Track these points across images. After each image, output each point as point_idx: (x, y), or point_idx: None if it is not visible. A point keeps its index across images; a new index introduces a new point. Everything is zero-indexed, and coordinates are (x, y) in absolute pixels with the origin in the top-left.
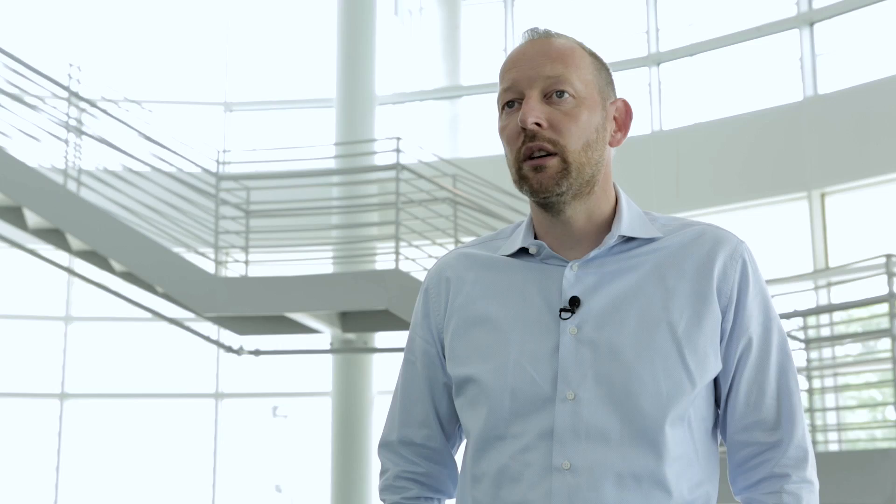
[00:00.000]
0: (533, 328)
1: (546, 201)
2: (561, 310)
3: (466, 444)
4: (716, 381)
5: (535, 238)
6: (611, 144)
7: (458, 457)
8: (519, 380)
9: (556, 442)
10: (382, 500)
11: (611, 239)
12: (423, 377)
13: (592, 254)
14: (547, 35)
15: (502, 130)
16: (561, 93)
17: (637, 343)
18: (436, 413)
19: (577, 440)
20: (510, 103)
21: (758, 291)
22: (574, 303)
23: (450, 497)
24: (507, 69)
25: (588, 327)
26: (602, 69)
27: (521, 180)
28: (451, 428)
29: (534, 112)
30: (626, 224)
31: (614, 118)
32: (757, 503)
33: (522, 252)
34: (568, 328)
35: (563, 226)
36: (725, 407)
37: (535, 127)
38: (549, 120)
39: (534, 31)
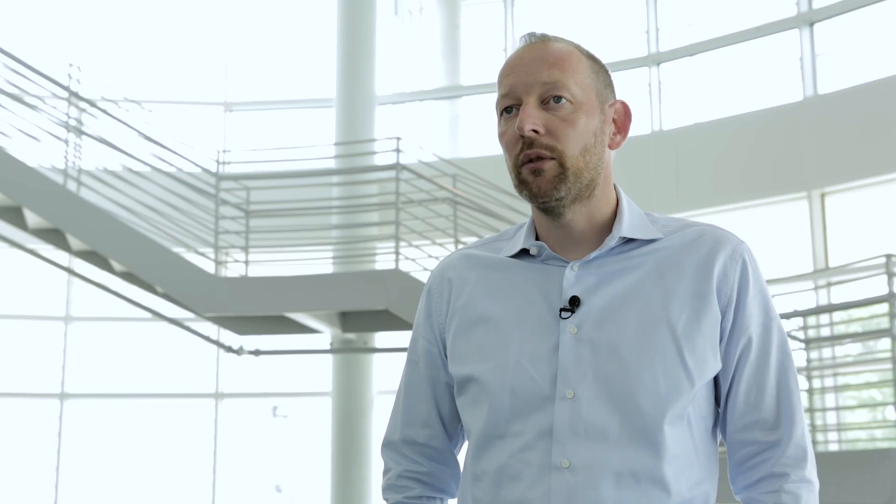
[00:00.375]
0: (533, 328)
1: (545, 206)
2: (561, 309)
3: (468, 443)
4: (716, 380)
5: (537, 239)
6: (610, 147)
7: (461, 456)
8: (519, 379)
9: (556, 441)
10: (385, 499)
11: (611, 240)
12: (426, 377)
13: (593, 254)
14: (544, 39)
15: (501, 136)
16: (558, 98)
17: (636, 342)
18: (438, 413)
19: (576, 439)
20: (508, 109)
21: (758, 291)
22: (574, 302)
23: (452, 496)
24: (504, 75)
25: (588, 327)
26: (600, 72)
27: (520, 185)
28: (453, 427)
29: (531, 119)
30: (627, 225)
31: (613, 121)
32: (756, 502)
33: (524, 253)
34: (568, 328)
35: (564, 228)
36: (725, 406)
37: (533, 134)
38: (546, 126)
39: (531, 35)
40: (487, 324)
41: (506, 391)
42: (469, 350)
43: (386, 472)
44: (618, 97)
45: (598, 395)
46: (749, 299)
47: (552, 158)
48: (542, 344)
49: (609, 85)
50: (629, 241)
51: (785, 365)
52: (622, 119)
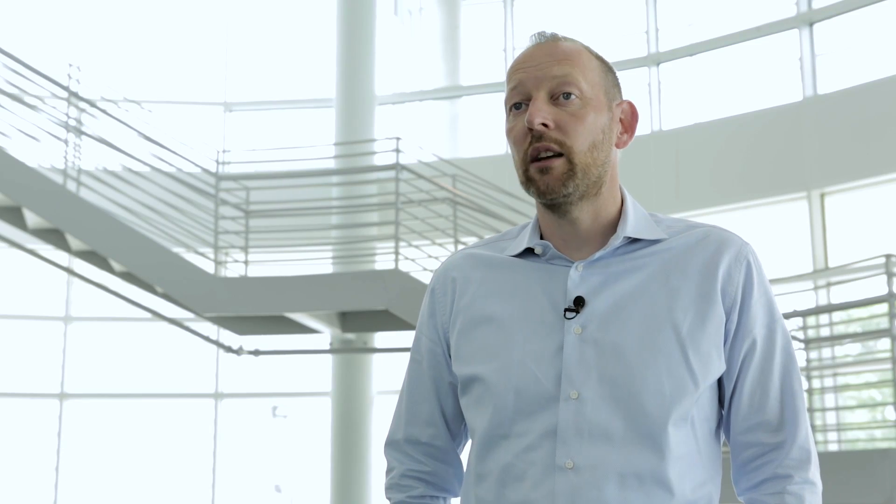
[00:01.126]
0: (538, 327)
1: (553, 202)
2: (566, 309)
3: (471, 443)
4: (720, 381)
5: (541, 238)
6: (617, 146)
7: (464, 456)
8: (523, 379)
9: (560, 441)
10: (388, 498)
11: (616, 240)
12: (429, 376)
13: (598, 254)
14: (553, 38)
15: (509, 132)
16: (567, 94)
17: (641, 343)
18: (441, 412)
19: (580, 439)
20: (517, 105)
21: (762, 293)
22: (579, 303)
23: (455, 496)
24: (514, 71)
25: (592, 327)
26: (608, 72)
27: (527, 182)
28: (456, 427)
29: (540, 113)
30: (632, 225)
31: (620, 120)
32: None
33: (528, 252)
34: (572, 328)
35: (570, 226)
36: (729, 408)
37: (542, 128)
38: (555, 121)
39: (541, 34)
40: (491, 323)
41: (510, 391)
42: (473, 350)
43: (389, 471)
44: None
45: (602, 395)
46: (753, 301)
47: (560, 154)
48: (547, 344)
49: (617, 85)
50: (634, 241)
51: (789, 367)
52: (629, 119)
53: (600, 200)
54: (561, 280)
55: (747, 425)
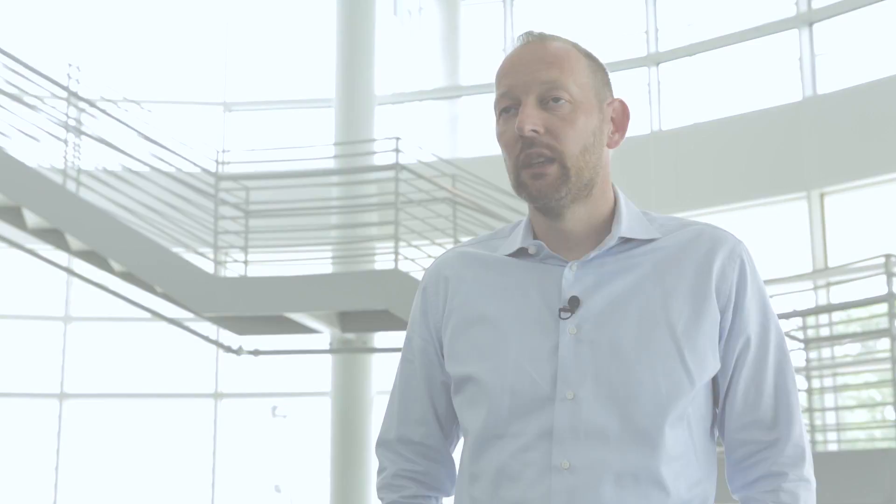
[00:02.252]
0: (532, 328)
1: (545, 207)
2: (560, 309)
3: (465, 443)
4: (714, 380)
5: (534, 238)
6: (608, 146)
7: (456, 455)
8: (518, 379)
9: (556, 442)
10: (381, 498)
11: (611, 240)
12: (421, 376)
13: (592, 254)
14: (541, 38)
15: (500, 136)
16: (557, 98)
17: (636, 343)
18: (434, 411)
19: (576, 440)
20: (507, 109)
21: (756, 291)
22: (573, 303)
23: (447, 495)
24: (502, 75)
25: (587, 327)
26: (598, 70)
27: (519, 187)
28: (449, 426)
29: (530, 119)
30: (626, 225)
31: (612, 119)
32: (755, 501)
33: (521, 252)
34: (567, 328)
35: (563, 228)
36: (724, 406)
37: (533, 134)
38: (546, 126)
39: (528, 34)
40: (485, 323)
41: (505, 391)
42: (467, 349)
43: (381, 471)
44: (615, 96)
45: (598, 395)
46: (747, 299)
47: (553, 160)
48: (542, 344)
49: (607, 83)
50: (627, 240)
51: (783, 365)
52: (620, 117)
53: (592, 201)
54: (555, 280)
55: (742, 423)
